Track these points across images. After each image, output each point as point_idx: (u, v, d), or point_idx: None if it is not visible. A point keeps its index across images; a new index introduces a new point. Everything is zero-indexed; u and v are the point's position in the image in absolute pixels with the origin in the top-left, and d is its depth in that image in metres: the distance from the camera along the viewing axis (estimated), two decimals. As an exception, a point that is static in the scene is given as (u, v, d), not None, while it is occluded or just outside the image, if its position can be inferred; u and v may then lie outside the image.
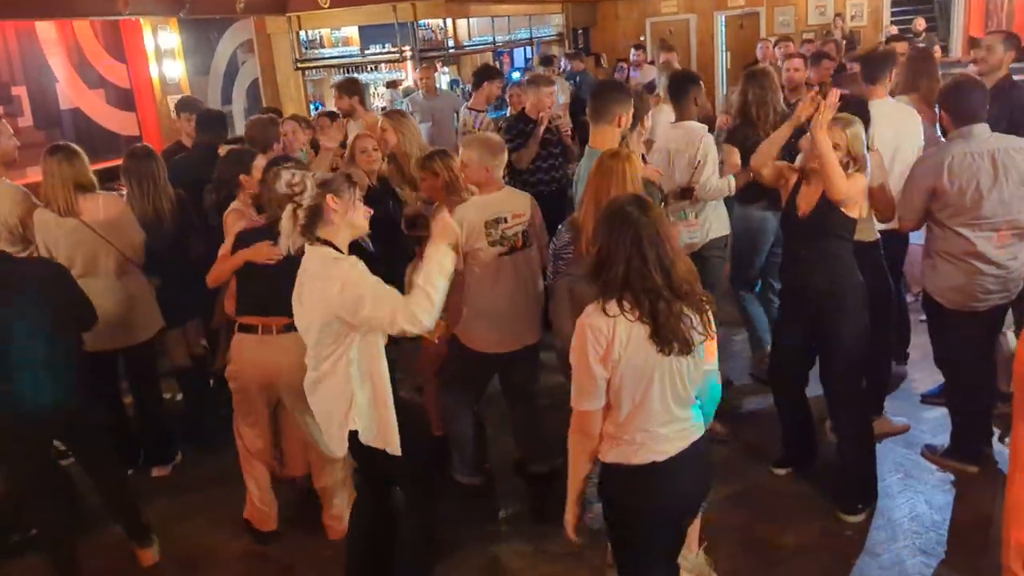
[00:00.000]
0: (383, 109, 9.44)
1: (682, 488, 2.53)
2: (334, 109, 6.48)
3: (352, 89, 6.46)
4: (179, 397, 5.25)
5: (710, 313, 2.46)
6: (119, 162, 4.81)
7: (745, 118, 4.71)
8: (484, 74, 7.22)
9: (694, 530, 3.05)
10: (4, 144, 4.36)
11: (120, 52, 8.27)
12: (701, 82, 4.78)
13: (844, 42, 10.53)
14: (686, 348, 2.38)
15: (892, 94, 4.69)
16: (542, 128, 5.53)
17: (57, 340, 3.39)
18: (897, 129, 4.37)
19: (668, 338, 2.34)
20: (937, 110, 3.91)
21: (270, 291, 3.40)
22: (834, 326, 3.65)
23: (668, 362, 2.38)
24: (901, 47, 5.94)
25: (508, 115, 6.39)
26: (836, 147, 3.46)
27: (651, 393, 2.40)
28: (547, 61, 9.72)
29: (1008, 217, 3.61)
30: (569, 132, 5.81)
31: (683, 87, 4.62)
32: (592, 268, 2.43)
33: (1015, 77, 5.21)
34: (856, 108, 3.75)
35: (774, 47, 8.19)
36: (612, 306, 2.35)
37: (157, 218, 4.42)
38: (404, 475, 3.13)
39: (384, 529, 3.23)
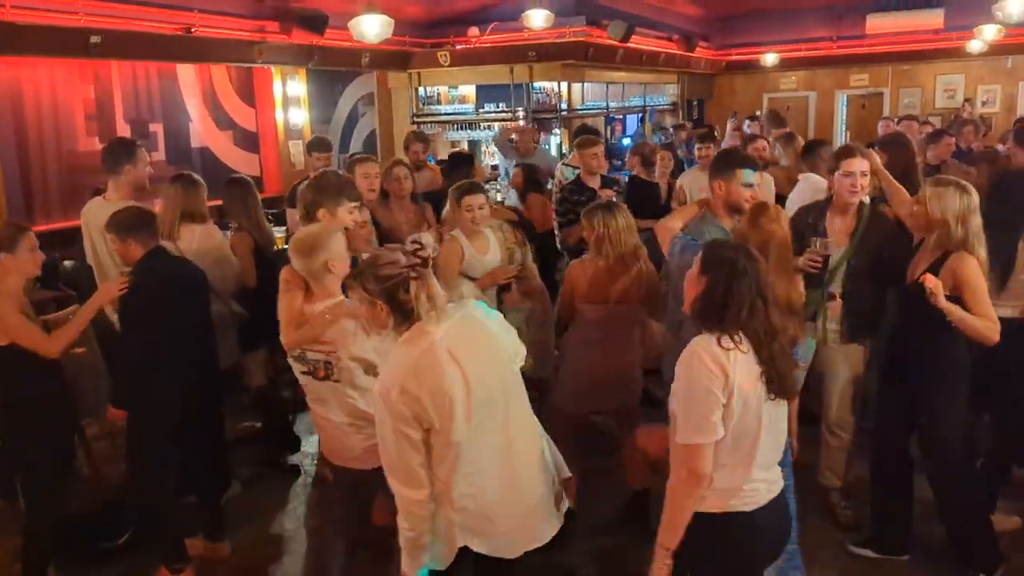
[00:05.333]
0: (494, 167, 9.64)
1: (766, 540, 2.46)
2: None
3: (428, 140, 6.66)
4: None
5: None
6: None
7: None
8: (578, 133, 7.27)
9: None
10: (140, 171, 4.60)
11: (250, 97, 8.77)
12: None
13: (983, 126, 10.03)
14: (789, 392, 2.35)
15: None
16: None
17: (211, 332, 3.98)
18: None
19: (777, 380, 2.30)
20: None
21: None
22: (928, 401, 3.50)
23: (771, 405, 2.33)
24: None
25: (569, 180, 5.92)
26: (919, 202, 3.37)
27: (760, 436, 2.32)
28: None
29: None
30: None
31: (813, 147, 5.13)
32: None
33: None
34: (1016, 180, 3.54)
35: (896, 124, 7.93)
36: (727, 340, 2.28)
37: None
38: None
39: None
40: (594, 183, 5.39)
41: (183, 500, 4.11)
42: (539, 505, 2.63)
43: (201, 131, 8.18)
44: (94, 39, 6.23)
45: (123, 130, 7.25)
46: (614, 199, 5.25)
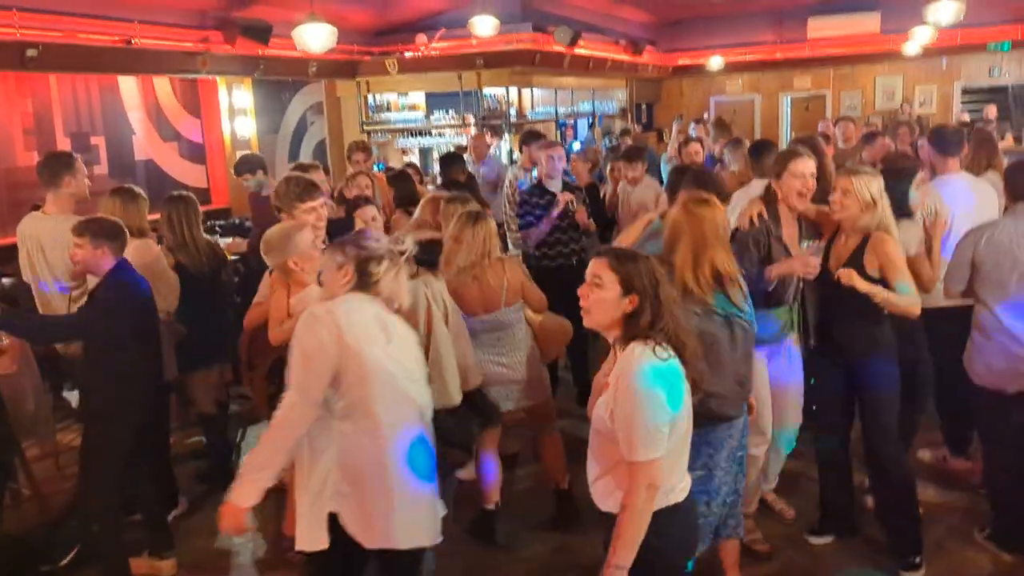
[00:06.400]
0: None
1: (695, 523, 2.57)
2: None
3: (369, 149, 6.72)
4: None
5: None
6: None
7: None
8: (527, 137, 7.33)
9: None
10: (79, 182, 4.53)
11: (196, 108, 8.69)
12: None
13: (917, 127, 10.33)
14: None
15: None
16: (557, 211, 5.26)
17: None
18: (976, 203, 4.27)
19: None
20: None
21: None
22: (865, 383, 3.59)
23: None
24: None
25: (526, 185, 5.85)
26: (846, 192, 3.39)
27: (690, 427, 2.38)
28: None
29: None
30: (584, 213, 5.39)
31: (766, 148, 4.98)
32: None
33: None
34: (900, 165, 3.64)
35: (835, 126, 8.16)
36: (663, 350, 2.27)
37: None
38: None
39: None
40: (554, 186, 5.41)
41: (129, 518, 4.08)
42: (423, 509, 2.74)
43: (145, 143, 8.07)
44: (30, 52, 6.13)
45: (63, 144, 7.13)
46: (574, 203, 5.33)
